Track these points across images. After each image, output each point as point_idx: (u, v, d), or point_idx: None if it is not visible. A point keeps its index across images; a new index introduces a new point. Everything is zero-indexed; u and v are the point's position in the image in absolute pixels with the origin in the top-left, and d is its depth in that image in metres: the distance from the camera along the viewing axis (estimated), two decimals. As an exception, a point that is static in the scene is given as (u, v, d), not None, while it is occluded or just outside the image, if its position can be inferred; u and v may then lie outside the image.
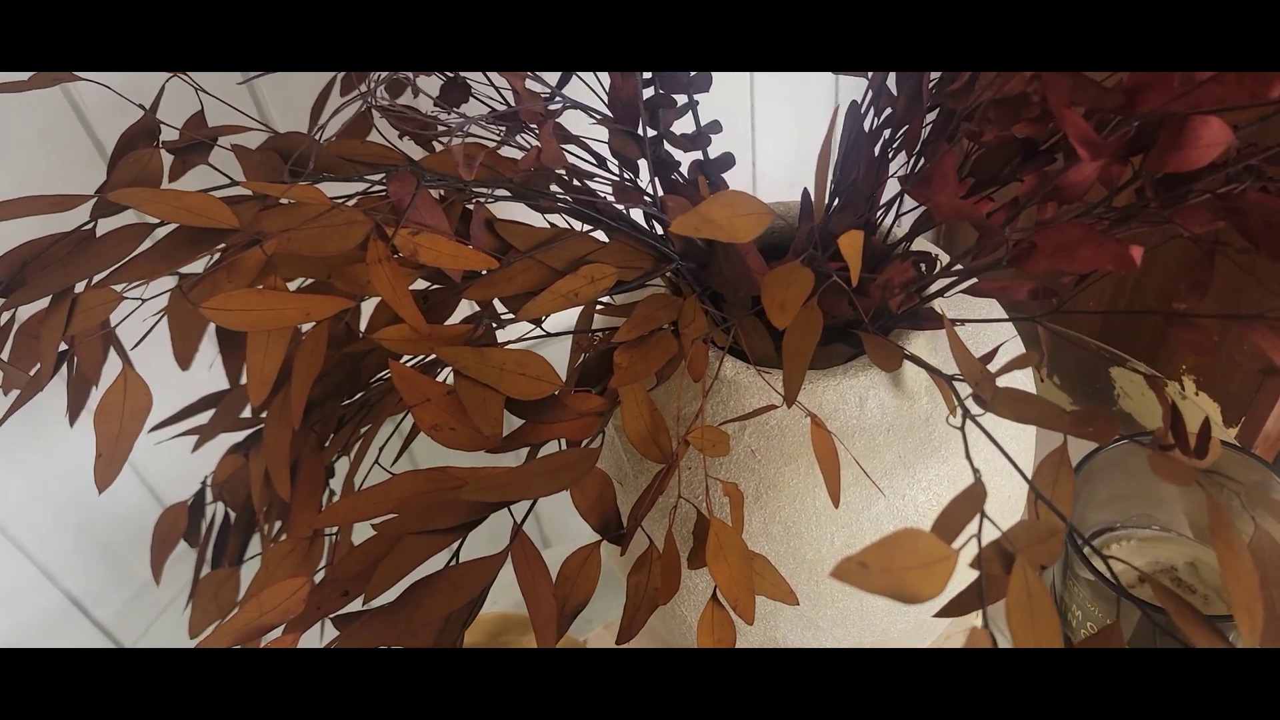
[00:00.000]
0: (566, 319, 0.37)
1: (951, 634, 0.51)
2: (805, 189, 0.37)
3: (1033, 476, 0.27)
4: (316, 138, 0.35)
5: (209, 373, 0.36)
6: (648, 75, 0.39)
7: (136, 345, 0.33)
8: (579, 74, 0.37)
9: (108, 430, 0.30)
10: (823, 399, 0.35)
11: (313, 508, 0.35)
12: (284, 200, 0.30)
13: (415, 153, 0.37)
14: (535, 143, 0.33)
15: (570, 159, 0.36)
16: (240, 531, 0.42)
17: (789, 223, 0.43)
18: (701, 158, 0.41)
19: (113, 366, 0.32)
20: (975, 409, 0.29)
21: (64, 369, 0.33)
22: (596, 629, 0.57)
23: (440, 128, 0.33)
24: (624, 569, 0.35)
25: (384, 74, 0.39)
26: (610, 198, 0.36)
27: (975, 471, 0.27)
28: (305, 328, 0.31)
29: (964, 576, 0.22)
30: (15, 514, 0.58)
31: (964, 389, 0.30)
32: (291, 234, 0.29)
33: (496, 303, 0.34)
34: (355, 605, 0.29)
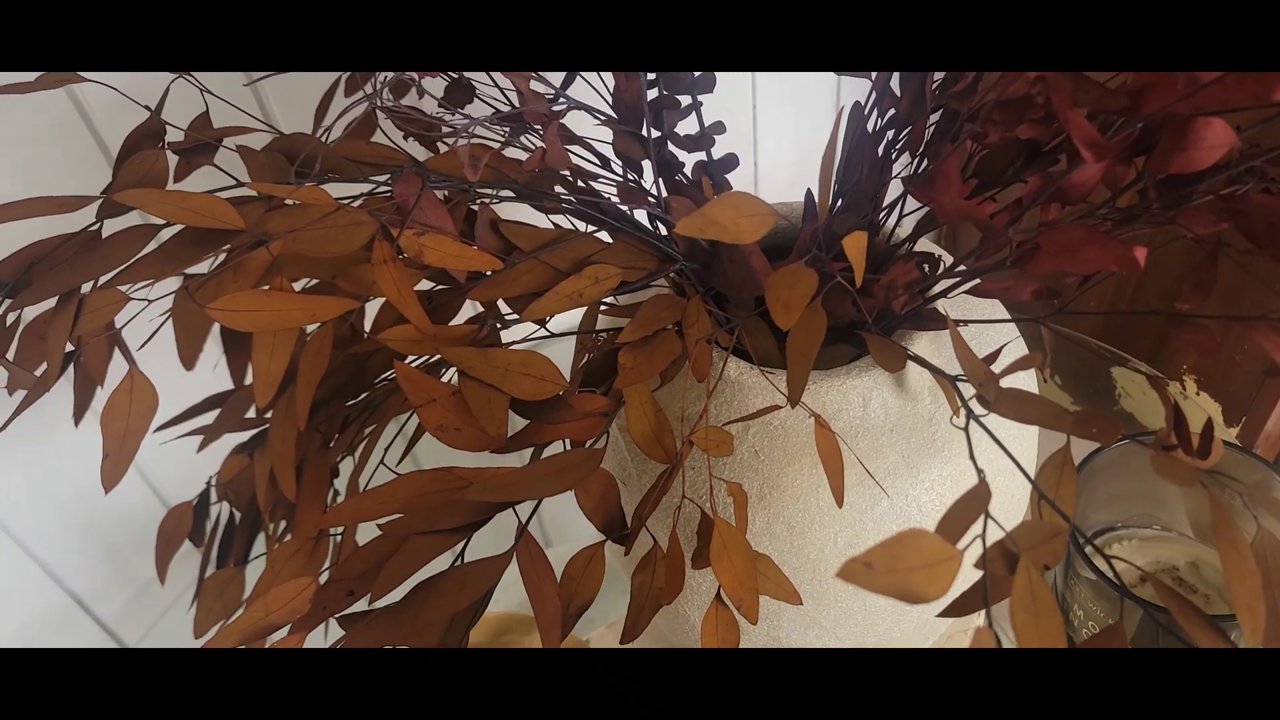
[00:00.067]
0: (571, 319, 0.37)
1: (953, 634, 0.52)
2: (809, 189, 0.37)
3: (1036, 476, 0.27)
4: (321, 139, 0.35)
5: (213, 373, 0.36)
6: (652, 76, 0.39)
7: (142, 346, 0.33)
8: (583, 75, 0.37)
9: (114, 431, 0.30)
10: (826, 399, 0.35)
11: (318, 508, 0.35)
12: (289, 201, 0.30)
13: (420, 154, 0.37)
14: (540, 144, 0.33)
15: (574, 160, 0.36)
16: (245, 531, 0.42)
17: (792, 223, 0.43)
18: (705, 159, 0.41)
19: (117, 367, 0.32)
20: (979, 409, 0.30)
21: (69, 369, 0.33)
22: (600, 628, 0.57)
23: (445, 129, 0.33)
24: (628, 569, 0.35)
25: (389, 75, 0.39)
26: (614, 199, 0.36)
27: (979, 472, 0.27)
28: (310, 328, 0.31)
29: (968, 577, 0.22)
30: (19, 513, 0.58)
31: (967, 389, 0.30)
32: (297, 235, 0.29)
33: (501, 303, 0.34)
34: (360, 605, 0.29)
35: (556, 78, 0.40)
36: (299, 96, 0.59)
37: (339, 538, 0.36)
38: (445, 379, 0.32)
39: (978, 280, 0.33)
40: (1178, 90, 0.25)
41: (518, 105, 0.34)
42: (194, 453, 0.43)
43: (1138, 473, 0.50)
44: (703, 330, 0.33)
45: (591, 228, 0.37)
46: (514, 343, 0.33)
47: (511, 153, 0.36)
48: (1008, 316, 0.40)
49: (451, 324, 0.33)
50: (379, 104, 0.33)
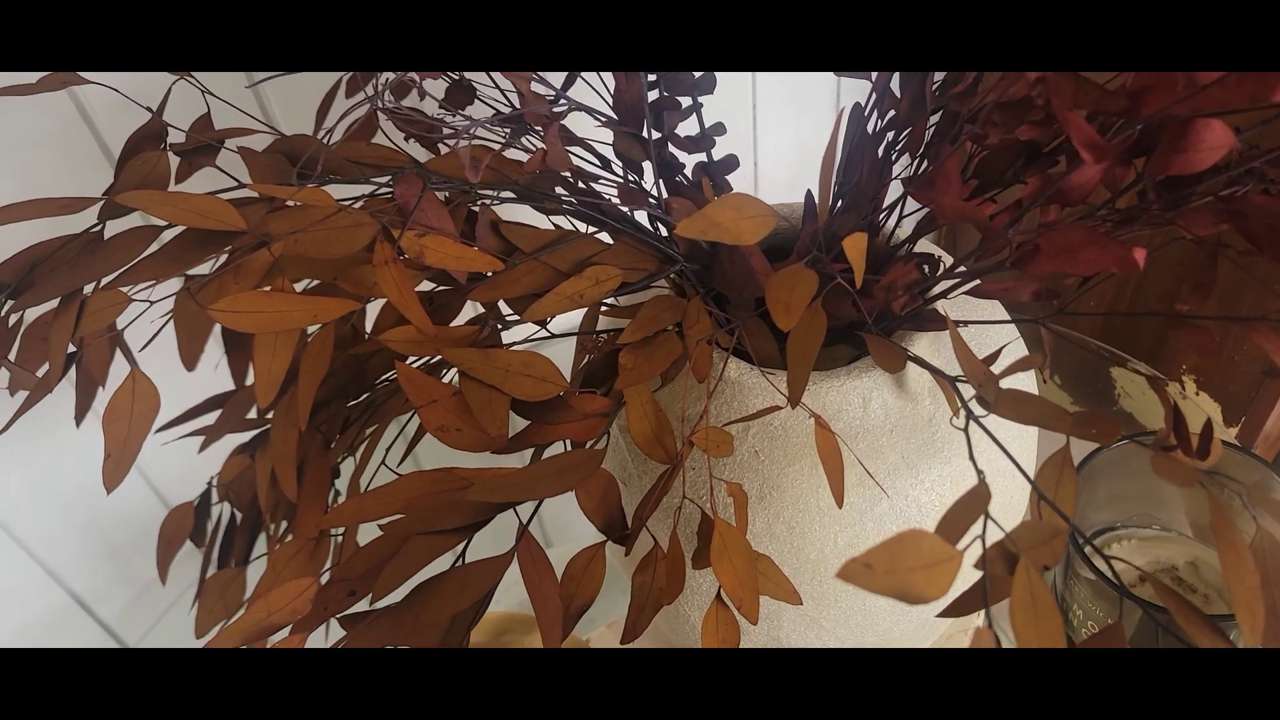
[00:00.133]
0: (571, 320, 0.37)
1: (953, 633, 0.52)
2: (809, 190, 0.37)
3: (1035, 477, 0.27)
4: (323, 140, 0.35)
5: (214, 374, 0.36)
6: (652, 77, 0.39)
7: (144, 347, 0.33)
8: (584, 76, 0.38)
9: (116, 432, 0.30)
10: (826, 400, 0.35)
11: (319, 508, 0.35)
12: (291, 202, 0.31)
13: (421, 155, 0.37)
14: (540, 145, 0.33)
15: (575, 161, 0.36)
16: (246, 532, 0.42)
17: (792, 224, 0.43)
18: (706, 160, 0.41)
19: (119, 367, 0.32)
20: (978, 410, 0.30)
21: (71, 370, 0.33)
22: (600, 628, 0.57)
23: (446, 130, 0.33)
24: (628, 569, 0.35)
25: (390, 76, 0.39)
26: (615, 200, 0.36)
27: (979, 472, 0.27)
28: (312, 329, 0.31)
29: (967, 577, 0.23)
30: (21, 513, 0.58)
31: (967, 390, 0.31)
32: (298, 236, 0.29)
33: (502, 304, 0.34)
34: (362, 606, 0.29)
35: (557, 79, 0.40)
36: (300, 98, 0.59)
37: (340, 538, 0.36)
38: (446, 380, 0.32)
39: (977, 281, 0.33)
40: (1177, 92, 0.25)
41: (518, 107, 0.35)
42: (195, 453, 0.43)
43: (1137, 473, 0.50)
44: (703, 331, 0.33)
45: (592, 229, 0.37)
46: (515, 344, 0.33)
47: (512, 154, 0.36)
48: (1007, 317, 0.40)
49: (452, 325, 0.33)
50: (380, 105, 0.33)
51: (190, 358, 0.32)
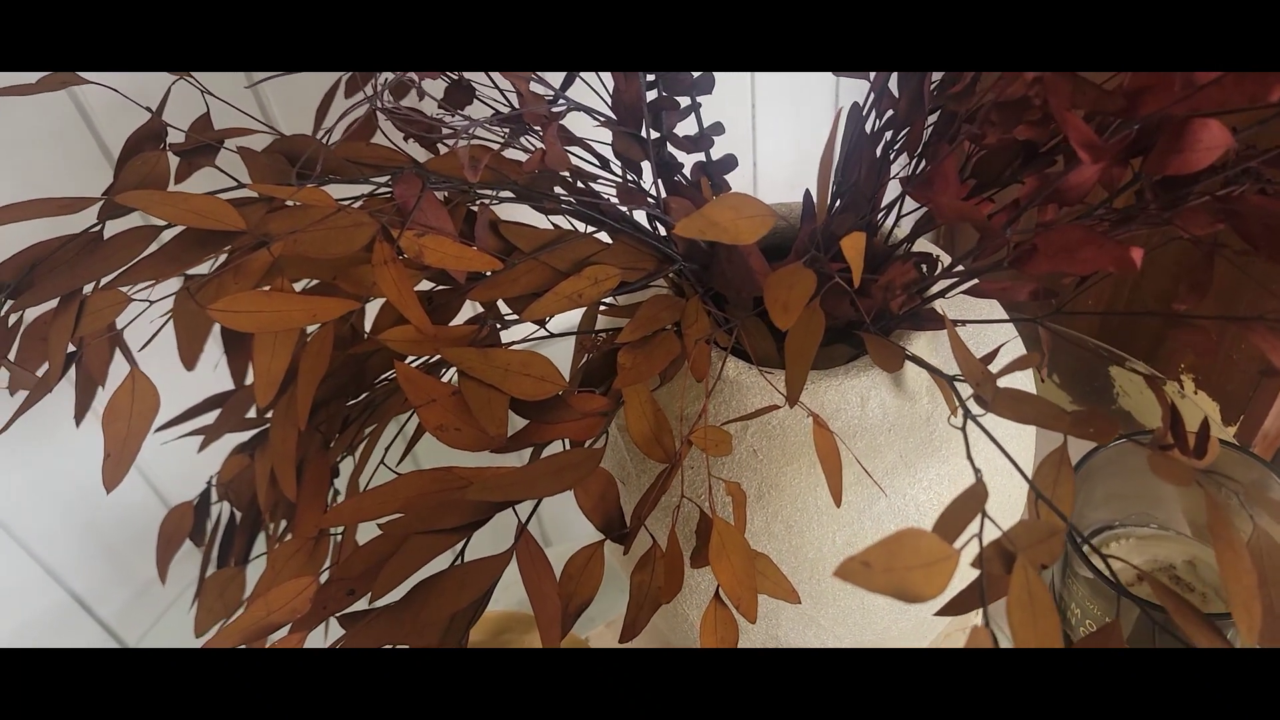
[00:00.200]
0: (570, 320, 0.37)
1: (952, 632, 0.52)
2: (807, 190, 0.37)
3: (1033, 476, 0.27)
4: (322, 140, 0.35)
5: (214, 374, 0.36)
6: (651, 77, 0.39)
7: (143, 347, 0.33)
8: (582, 76, 0.38)
9: (116, 431, 0.30)
10: (824, 399, 0.35)
11: (318, 507, 0.35)
12: (290, 202, 0.31)
13: (420, 155, 0.37)
14: (539, 145, 0.33)
15: (574, 161, 0.36)
16: (245, 531, 0.42)
17: (790, 224, 0.43)
18: (704, 159, 0.41)
19: (118, 367, 0.32)
20: (976, 409, 0.30)
21: (71, 370, 0.33)
22: (599, 627, 0.57)
23: (445, 130, 0.33)
24: (627, 568, 0.35)
25: (389, 77, 0.39)
26: (614, 199, 0.36)
27: (976, 471, 0.27)
28: (311, 329, 0.31)
29: (965, 575, 0.23)
30: (20, 513, 0.58)
31: (965, 389, 0.31)
32: (297, 236, 0.29)
33: (501, 304, 0.34)
34: (361, 605, 0.29)
35: (556, 79, 0.40)
36: (299, 98, 0.59)
37: (339, 537, 0.36)
38: (445, 379, 0.32)
39: (975, 280, 0.34)
40: (1175, 92, 0.25)
41: (517, 106, 0.35)
42: (195, 453, 0.43)
43: (1135, 472, 0.50)
44: (701, 330, 0.33)
45: (591, 228, 0.37)
46: (514, 343, 0.33)
47: (511, 154, 0.37)
48: (1005, 316, 0.40)
49: (451, 324, 0.33)
50: (379, 105, 0.33)
51: (189, 357, 0.32)
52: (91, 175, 0.54)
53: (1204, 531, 0.51)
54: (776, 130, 0.80)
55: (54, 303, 0.31)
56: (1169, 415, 0.28)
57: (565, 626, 0.30)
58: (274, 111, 0.59)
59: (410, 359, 0.33)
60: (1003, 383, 0.30)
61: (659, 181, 0.39)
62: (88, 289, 0.31)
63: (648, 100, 0.38)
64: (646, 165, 0.39)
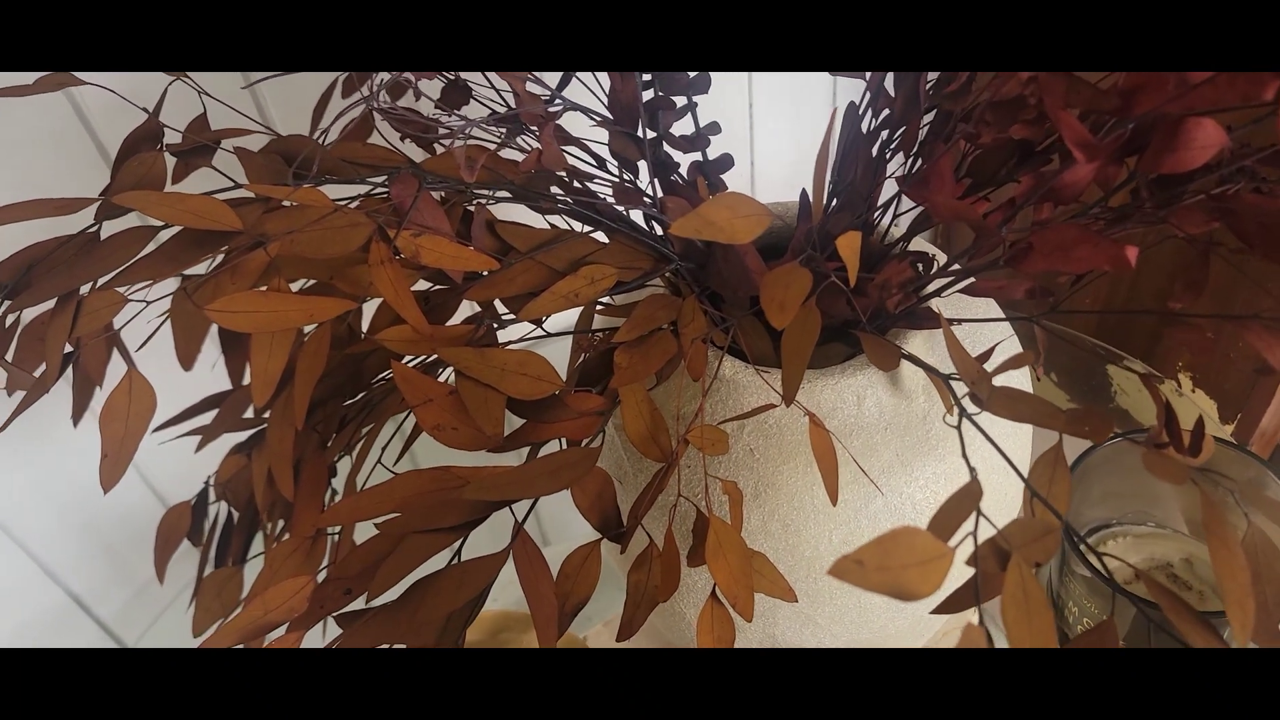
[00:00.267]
0: (567, 319, 0.37)
1: (949, 630, 0.52)
2: (803, 189, 0.37)
3: (1029, 474, 0.27)
4: (319, 141, 0.35)
5: (211, 373, 0.37)
6: (647, 77, 0.39)
7: (141, 347, 0.33)
8: (579, 76, 0.38)
9: (113, 431, 0.30)
10: (821, 398, 0.35)
11: (316, 507, 0.35)
12: (287, 203, 0.31)
13: (417, 155, 0.37)
14: (536, 145, 0.34)
15: (570, 161, 0.36)
16: (243, 531, 0.42)
17: (787, 223, 0.43)
18: (700, 159, 0.41)
19: (116, 367, 0.32)
20: (972, 408, 0.30)
21: (68, 370, 0.33)
22: (596, 626, 0.57)
23: (441, 130, 0.33)
24: (624, 567, 0.35)
25: (385, 77, 0.39)
26: (610, 199, 0.36)
27: (971, 470, 0.27)
28: (308, 329, 0.31)
29: (961, 573, 0.23)
30: (19, 513, 0.58)
31: (961, 388, 0.31)
32: (294, 236, 0.29)
33: (497, 303, 0.34)
34: (358, 604, 0.29)
35: (552, 79, 0.40)
36: (296, 98, 0.59)
37: (336, 537, 0.37)
38: (442, 379, 0.32)
39: (971, 279, 0.34)
40: (1169, 91, 0.25)
41: (514, 106, 0.35)
42: (192, 453, 0.43)
43: (1132, 470, 0.50)
44: (698, 330, 0.33)
45: (587, 228, 0.37)
46: (510, 343, 0.33)
47: (508, 154, 0.37)
48: (1001, 315, 0.41)
49: (448, 324, 0.33)
50: (376, 106, 0.33)
51: (187, 357, 0.32)
52: (89, 176, 0.54)
53: (1200, 529, 0.51)
54: (774, 130, 0.80)
55: (51, 303, 0.32)
56: (1164, 413, 0.28)
57: (562, 626, 0.30)
58: (271, 112, 0.59)
59: (407, 359, 0.33)
60: (999, 381, 0.30)
61: (655, 181, 0.39)
62: (85, 289, 0.31)
63: (644, 100, 0.38)
64: (643, 165, 0.39)
